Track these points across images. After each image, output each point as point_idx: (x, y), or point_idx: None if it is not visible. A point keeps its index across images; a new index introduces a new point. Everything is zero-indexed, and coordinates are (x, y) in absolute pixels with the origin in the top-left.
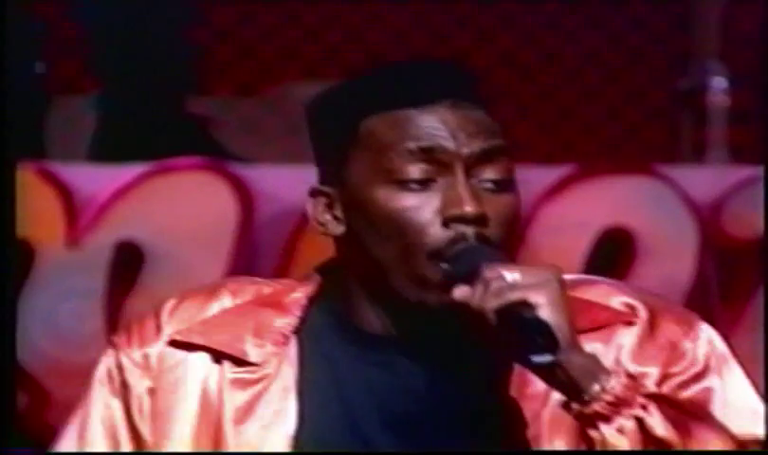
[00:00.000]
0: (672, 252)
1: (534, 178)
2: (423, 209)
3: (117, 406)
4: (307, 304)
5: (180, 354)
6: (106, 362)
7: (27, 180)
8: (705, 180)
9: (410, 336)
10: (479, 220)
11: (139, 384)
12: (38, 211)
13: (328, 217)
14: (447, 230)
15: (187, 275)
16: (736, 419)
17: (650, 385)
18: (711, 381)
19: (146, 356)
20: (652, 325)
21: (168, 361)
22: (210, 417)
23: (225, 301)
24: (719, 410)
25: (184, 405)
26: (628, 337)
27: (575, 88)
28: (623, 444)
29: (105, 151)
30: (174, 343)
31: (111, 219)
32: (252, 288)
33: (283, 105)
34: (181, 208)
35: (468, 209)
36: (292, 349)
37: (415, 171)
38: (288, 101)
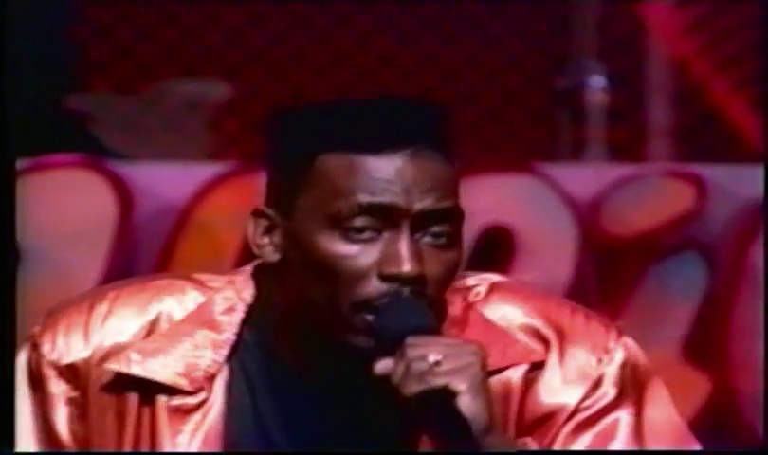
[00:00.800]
0: (552, 250)
1: None
2: (361, 258)
3: (38, 413)
4: (240, 324)
5: (114, 377)
6: (27, 364)
7: None
8: (584, 178)
9: (327, 373)
10: (417, 280)
11: (64, 396)
12: None
13: (266, 241)
14: (381, 285)
15: (65, 273)
16: (655, 442)
17: (556, 419)
18: (622, 411)
19: (72, 368)
20: (563, 355)
21: (100, 379)
22: (153, 444)
23: (159, 317)
24: (631, 439)
25: (120, 426)
26: (538, 373)
27: (453, 90)
28: None
29: None
30: (110, 370)
31: None
32: (183, 297)
33: (160, 102)
34: (59, 205)
35: (407, 269)
36: (229, 372)
37: (360, 221)
38: (166, 99)
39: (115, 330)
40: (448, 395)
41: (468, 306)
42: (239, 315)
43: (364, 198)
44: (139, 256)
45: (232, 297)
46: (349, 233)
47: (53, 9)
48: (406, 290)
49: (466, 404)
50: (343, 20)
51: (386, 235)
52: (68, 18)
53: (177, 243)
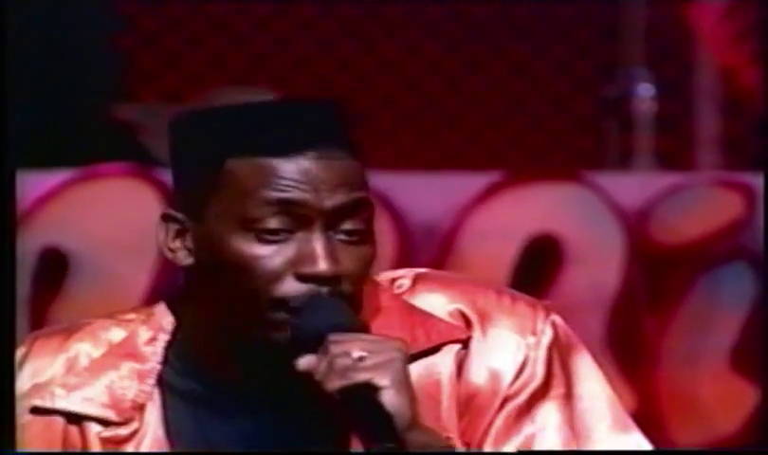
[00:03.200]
0: (599, 259)
1: (461, 186)
2: (275, 259)
3: None
4: (163, 351)
5: (40, 417)
6: None
7: None
8: (632, 187)
9: (256, 378)
10: (333, 279)
11: None
12: None
13: (178, 245)
14: (298, 285)
15: (113, 282)
16: (589, 419)
17: (487, 407)
18: (552, 396)
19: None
20: (487, 335)
21: (25, 419)
22: None
23: (78, 353)
24: (564, 426)
25: None
26: (465, 353)
27: (501, 97)
28: None
29: (30, 156)
30: (35, 408)
31: (35, 225)
32: (104, 334)
33: None
34: (107, 214)
35: (323, 267)
36: (156, 400)
37: (272, 221)
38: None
39: (32, 370)
40: (371, 390)
41: (393, 297)
42: (161, 343)
43: (273, 194)
44: None
45: (153, 327)
46: (262, 235)
47: (100, 19)
48: (324, 290)
49: (389, 399)
50: (391, 28)
51: (299, 235)
52: (116, 27)
53: None
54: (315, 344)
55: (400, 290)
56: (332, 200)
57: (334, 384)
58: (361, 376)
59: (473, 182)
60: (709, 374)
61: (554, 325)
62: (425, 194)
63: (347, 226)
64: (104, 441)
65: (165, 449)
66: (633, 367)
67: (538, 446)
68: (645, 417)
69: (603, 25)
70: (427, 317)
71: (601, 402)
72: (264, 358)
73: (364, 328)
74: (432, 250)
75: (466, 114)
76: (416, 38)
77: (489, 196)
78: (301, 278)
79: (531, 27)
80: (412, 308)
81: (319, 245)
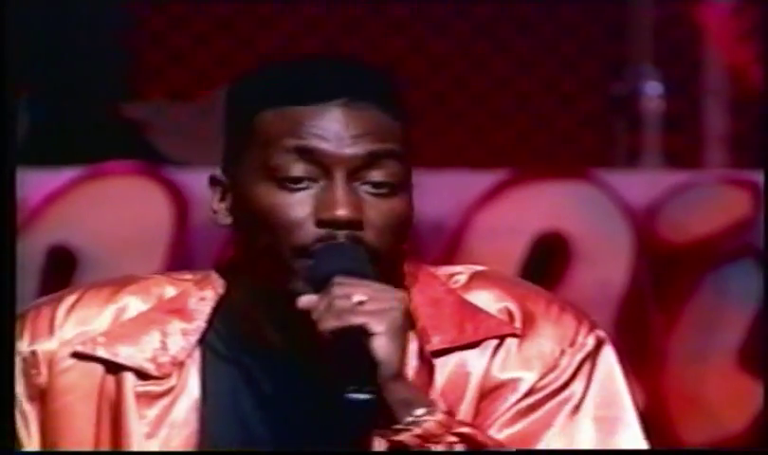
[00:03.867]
0: (607, 257)
1: (468, 184)
2: (296, 207)
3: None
4: (211, 312)
5: (77, 360)
6: None
7: None
8: (640, 185)
9: (286, 337)
10: (351, 225)
11: (26, 379)
12: None
13: (221, 206)
14: (317, 230)
15: None
16: (592, 428)
17: (511, 396)
18: (567, 393)
19: (34, 354)
20: (525, 336)
21: (61, 364)
22: (117, 427)
23: (127, 305)
24: (566, 419)
25: (82, 408)
26: (500, 349)
27: (508, 95)
28: None
29: (38, 155)
30: (75, 353)
31: (43, 223)
32: (156, 289)
33: (215, 109)
34: (114, 212)
35: (341, 212)
36: (196, 360)
37: (294, 169)
38: (221, 106)
39: (80, 318)
40: (364, 335)
41: (447, 290)
42: (210, 303)
43: (293, 142)
44: (194, 262)
45: (204, 287)
46: (285, 183)
47: (108, 17)
48: (341, 234)
49: (381, 345)
50: (397, 26)
51: (321, 183)
52: (123, 25)
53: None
54: (323, 286)
55: (456, 284)
56: (353, 149)
57: (329, 323)
58: (357, 319)
59: (481, 180)
60: (716, 372)
61: (597, 339)
62: (432, 192)
63: (373, 177)
64: (139, 395)
65: (198, 409)
66: (641, 365)
67: (539, 428)
68: (652, 415)
69: (611, 23)
70: (477, 311)
71: (611, 399)
72: (292, 315)
73: (378, 278)
74: (440, 248)
75: (474, 112)
76: (422, 36)
77: (497, 194)
78: (320, 223)
79: (538, 24)
80: (464, 302)
81: (338, 191)
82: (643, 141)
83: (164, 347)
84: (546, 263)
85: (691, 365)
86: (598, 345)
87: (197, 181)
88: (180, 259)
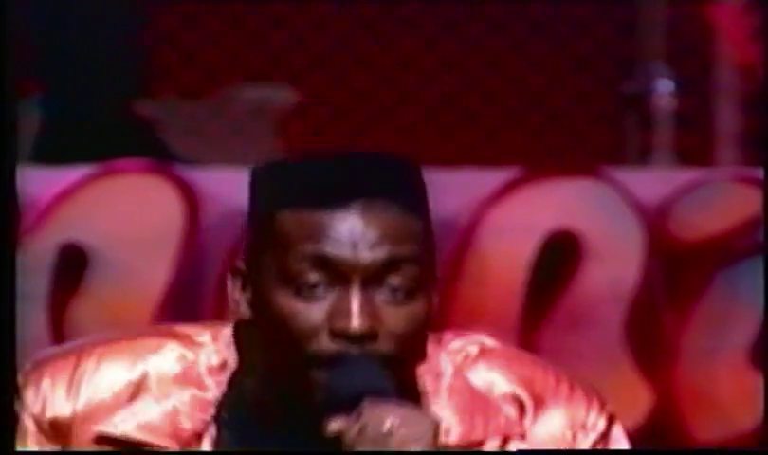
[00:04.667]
0: (619, 255)
1: (479, 182)
2: (311, 316)
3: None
4: (226, 386)
5: (97, 435)
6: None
7: None
8: (651, 183)
9: (298, 432)
10: (366, 337)
11: (39, 444)
12: None
13: (242, 297)
14: (331, 342)
15: (132, 278)
16: None
17: None
18: None
19: (54, 424)
20: (538, 423)
21: (84, 438)
22: None
23: (145, 377)
24: None
25: None
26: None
27: (520, 94)
28: None
29: (49, 153)
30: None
31: (54, 221)
32: (171, 354)
33: (226, 108)
34: (126, 210)
35: (355, 324)
36: (211, 433)
37: (310, 277)
38: (232, 104)
39: (100, 388)
40: None
41: (456, 373)
42: (225, 375)
43: (310, 249)
44: (205, 260)
45: (217, 354)
46: (301, 289)
47: (118, 14)
48: (354, 347)
49: None
50: (408, 24)
51: (337, 290)
52: (134, 23)
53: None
54: (347, 405)
55: (464, 360)
56: (370, 255)
57: (364, 449)
58: (393, 447)
59: (492, 178)
60: (728, 370)
61: (608, 419)
62: (443, 191)
63: (391, 282)
64: None
65: None
66: (652, 363)
67: None
68: (663, 413)
69: (623, 21)
70: (486, 404)
71: None
72: (302, 418)
73: (401, 392)
74: (451, 247)
75: (485, 110)
76: (435, 35)
77: (508, 192)
78: (334, 333)
79: (550, 23)
80: (474, 392)
81: (353, 301)
82: (655, 139)
83: (183, 420)
84: (557, 262)
85: (703, 363)
86: (609, 424)
87: (209, 180)
88: (191, 257)
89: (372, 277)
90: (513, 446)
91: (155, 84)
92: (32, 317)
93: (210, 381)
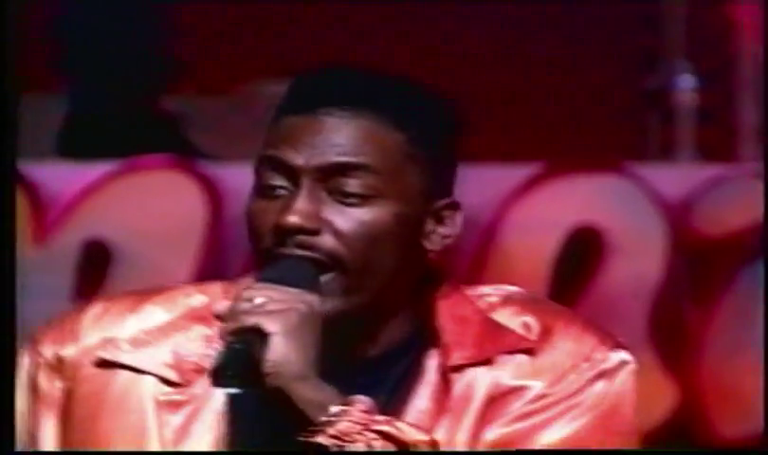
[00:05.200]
0: (642, 250)
1: (501, 178)
2: (267, 213)
3: (24, 403)
4: None
5: (101, 367)
6: (23, 359)
7: None
8: (674, 178)
9: None
10: (302, 231)
11: (50, 384)
12: None
13: None
14: (273, 236)
15: (155, 274)
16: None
17: (519, 402)
18: (576, 400)
19: (59, 359)
20: (541, 348)
21: (85, 370)
22: (141, 435)
23: (150, 316)
24: (565, 425)
25: (105, 416)
26: (515, 358)
27: (540, 88)
28: None
29: (74, 148)
30: (98, 358)
31: (78, 217)
32: (182, 298)
33: (249, 103)
34: (149, 206)
35: (290, 218)
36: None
37: (269, 178)
38: (255, 100)
39: (105, 326)
40: (259, 335)
41: (475, 310)
42: None
43: (269, 152)
44: (228, 256)
45: (230, 294)
46: (264, 191)
47: (143, 12)
48: (290, 241)
49: (277, 346)
50: (426, 20)
51: (291, 191)
52: (158, 20)
53: None
54: None
55: (485, 305)
56: (320, 159)
57: (228, 326)
58: (250, 320)
59: (514, 174)
60: (752, 366)
61: (620, 361)
62: (465, 186)
63: (344, 187)
64: (162, 403)
65: (223, 416)
66: (676, 359)
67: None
68: (687, 409)
69: (644, 16)
70: (498, 328)
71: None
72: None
73: (324, 289)
74: (473, 243)
75: (507, 106)
76: (452, 29)
77: (530, 188)
78: (273, 228)
79: (572, 18)
80: (489, 321)
81: (298, 198)
82: (677, 135)
83: (187, 354)
84: (580, 257)
85: (727, 359)
86: (620, 365)
87: (231, 175)
88: (213, 253)
89: (321, 179)
90: (521, 357)
91: (178, 80)
92: (57, 312)
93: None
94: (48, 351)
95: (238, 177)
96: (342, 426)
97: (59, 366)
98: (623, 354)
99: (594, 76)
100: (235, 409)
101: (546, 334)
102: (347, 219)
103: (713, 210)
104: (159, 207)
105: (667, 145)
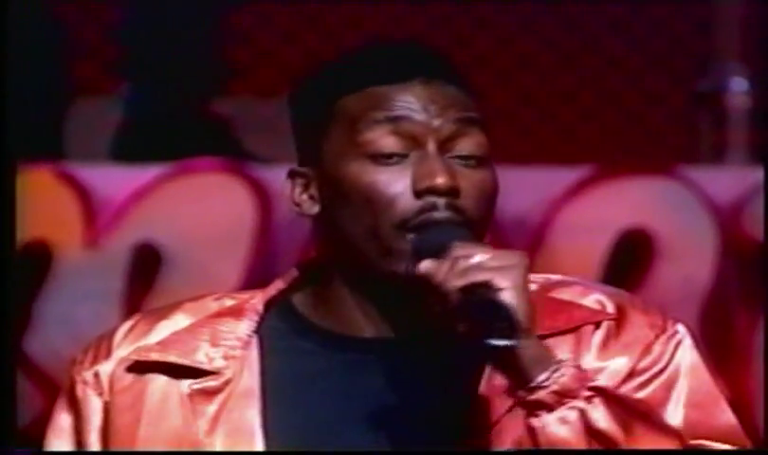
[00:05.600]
0: (692, 254)
1: (553, 180)
2: (394, 182)
3: (68, 422)
4: (264, 308)
5: (135, 375)
6: (65, 379)
7: (46, 181)
8: (725, 182)
9: (377, 324)
10: (451, 192)
11: (90, 401)
12: (56, 213)
13: (304, 197)
14: (417, 201)
15: (205, 277)
16: (692, 413)
17: (611, 381)
18: (671, 383)
19: (96, 375)
20: (621, 323)
21: (121, 382)
22: (179, 432)
23: (180, 321)
24: (673, 414)
25: (148, 422)
26: (597, 335)
27: (594, 91)
28: (564, 433)
29: (128, 151)
30: (131, 366)
31: (129, 220)
32: (213, 304)
33: None
34: (199, 209)
35: (440, 180)
36: (253, 351)
37: (386, 144)
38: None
39: (136, 336)
40: (490, 291)
41: (539, 288)
42: (261, 302)
43: (381, 114)
44: (278, 259)
45: (261, 291)
46: (378, 159)
47: (198, 15)
48: (441, 203)
49: (509, 300)
50: (484, 22)
51: (414, 156)
52: (212, 24)
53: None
54: (436, 256)
55: (546, 284)
56: (441, 119)
57: (455, 283)
58: (482, 276)
59: (565, 176)
60: None
61: (686, 331)
62: (517, 188)
63: (462, 150)
64: (195, 393)
65: (256, 402)
66: (726, 363)
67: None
68: (737, 413)
69: (698, 20)
70: (567, 303)
71: (705, 398)
72: (391, 299)
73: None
74: (523, 244)
75: (560, 108)
76: (510, 33)
77: (581, 190)
78: (420, 193)
79: (626, 21)
80: (556, 299)
81: (434, 160)
82: (729, 138)
83: (215, 344)
84: (630, 260)
85: None
86: (686, 334)
87: (281, 178)
88: (263, 255)
89: (444, 141)
90: (604, 333)
91: (231, 83)
92: (107, 315)
93: (248, 309)
94: (87, 371)
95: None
96: (564, 381)
97: (96, 382)
98: (682, 326)
99: (647, 79)
100: (271, 395)
101: (620, 310)
102: (472, 181)
103: (764, 214)
104: (210, 210)
105: (718, 148)
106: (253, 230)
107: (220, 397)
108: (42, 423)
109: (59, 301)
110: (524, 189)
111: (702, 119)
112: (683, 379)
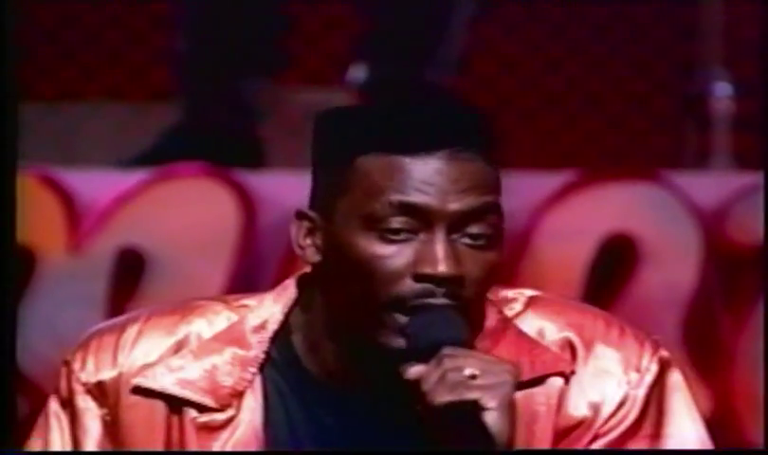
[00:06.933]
0: (676, 259)
1: (536, 185)
2: (395, 259)
3: (67, 433)
4: (270, 340)
5: (140, 396)
6: (60, 384)
7: (28, 185)
8: (709, 187)
9: (362, 378)
10: (453, 281)
11: (92, 412)
12: (39, 217)
13: (308, 242)
14: (415, 285)
15: (189, 282)
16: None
17: (590, 433)
18: (643, 433)
19: (101, 386)
20: (591, 368)
21: (125, 398)
22: None
23: (188, 336)
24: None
25: (147, 443)
26: (565, 389)
27: (579, 96)
28: None
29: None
30: (137, 386)
31: (113, 225)
32: (215, 318)
33: (282, 110)
34: (183, 214)
35: (441, 269)
36: (255, 390)
37: (395, 222)
38: (288, 107)
39: (143, 351)
40: (477, 409)
41: (503, 319)
42: (268, 333)
43: (397, 197)
44: (262, 264)
45: (264, 314)
46: (385, 234)
47: (264, 19)
48: (440, 291)
49: (494, 421)
50: (468, 27)
51: (421, 236)
52: (279, 27)
53: None
54: (426, 353)
55: (512, 312)
56: (457, 204)
57: (442, 397)
58: (471, 394)
59: (548, 181)
60: None
61: (660, 362)
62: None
63: (473, 229)
64: (199, 427)
65: (258, 440)
66: (709, 367)
67: None
68: (720, 418)
69: (682, 24)
70: (534, 345)
71: (690, 444)
72: (371, 364)
73: (473, 342)
74: (507, 250)
75: (544, 113)
76: (494, 37)
77: (565, 195)
78: (419, 278)
79: (609, 26)
80: (521, 334)
81: (440, 246)
82: (713, 142)
83: (222, 377)
84: (614, 265)
85: (760, 368)
86: (663, 368)
87: (265, 183)
88: (247, 260)
89: (456, 223)
90: (574, 381)
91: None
92: (91, 320)
93: (253, 339)
94: (87, 376)
95: (271, 184)
96: None
97: (99, 392)
98: (662, 354)
99: (631, 84)
100: (271, 434)
101: (589, 348)
102: (477, 263)
103: (748, 219)
104: (194, 215)
105: (703, 153)
106: (237, 235)
107: (224, 434)
108: (25, 427)
109: (42, 306)
110: (507, 194)
111: (686, 124)
112: (661, 424)
